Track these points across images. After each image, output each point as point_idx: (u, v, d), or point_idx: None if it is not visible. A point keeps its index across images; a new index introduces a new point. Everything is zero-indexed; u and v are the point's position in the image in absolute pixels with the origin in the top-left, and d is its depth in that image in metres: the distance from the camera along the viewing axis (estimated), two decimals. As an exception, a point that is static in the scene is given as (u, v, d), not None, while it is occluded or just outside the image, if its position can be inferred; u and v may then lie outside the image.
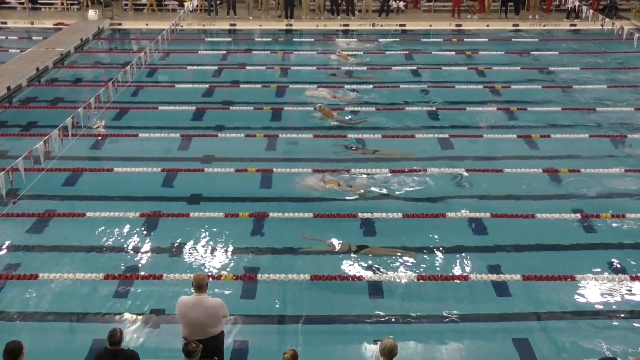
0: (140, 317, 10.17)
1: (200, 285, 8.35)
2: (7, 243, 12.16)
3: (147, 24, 28.99)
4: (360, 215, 13.00)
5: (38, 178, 12.90)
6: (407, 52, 24.68)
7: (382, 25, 28.77)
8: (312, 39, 26.92)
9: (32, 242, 12.19)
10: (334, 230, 12.49)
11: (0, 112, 18.76)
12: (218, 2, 30.67)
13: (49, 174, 13.34)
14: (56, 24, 28.86)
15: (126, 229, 12.58)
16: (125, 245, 12.11)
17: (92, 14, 29.40)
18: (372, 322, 10.17)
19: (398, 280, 11.11)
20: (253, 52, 25.12)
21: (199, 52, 25.08)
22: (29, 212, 12.95)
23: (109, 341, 7.58)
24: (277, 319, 10.25)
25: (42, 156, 12.60)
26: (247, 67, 22.88)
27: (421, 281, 11.04)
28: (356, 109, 18.90)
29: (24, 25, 29.28)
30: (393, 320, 10.21)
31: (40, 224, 12.73)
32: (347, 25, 28.77)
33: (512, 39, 26.90)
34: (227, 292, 10.66)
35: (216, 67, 22.87)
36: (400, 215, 13.01)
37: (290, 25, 28.79)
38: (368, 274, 11.24)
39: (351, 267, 11.48)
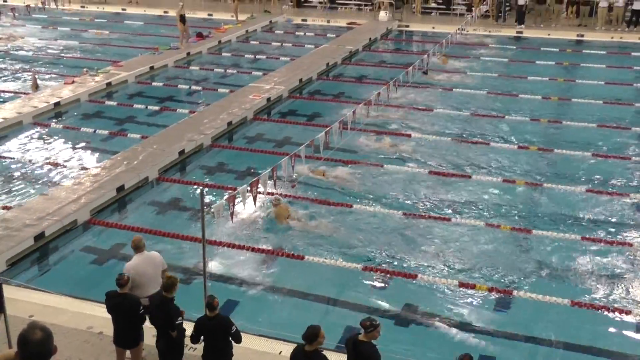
0: (389, 313, 10.38)
1: (138, 246, 8.76)
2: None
3: (433, 27, 29.47)
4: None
5: (316, 166, 13.71)
6: None
7: (688, 41, 26.08)
8: (604, 52, 25.22)
9: (301, 225, 13.07)
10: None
11: (290, 102, 20.41)
12: (507, 8, 30.12)
13: (325, 163, 14.12)
14: (349, 23, 30.61)
15: (388, 227, 12.87)
16: (384, 240, 12.41)
17: (382, 15, 30.67)
18: (636, 363, 9.32)
19: (673, 323, 10.04)
20: (537, 62, 24.25)
21: (481, 58, 24.82)
22: (303, 196, 13.91)
23: (362, 325, 7.34)
24: (528, 338, 9.83)
25: (322, 146, 13.36)
26: (529, 78, 22.16)
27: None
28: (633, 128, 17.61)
29: (321, 23, 31.50)
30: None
31: (311, 210, 13.60)
32: (646, 38, 26.54)
33: None
34: (478, 303, 10.50)
35: (496, 75, 22.47)
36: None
37: (582, 36, 27.32)
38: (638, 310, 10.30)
39: (618, 298, 10.61)
